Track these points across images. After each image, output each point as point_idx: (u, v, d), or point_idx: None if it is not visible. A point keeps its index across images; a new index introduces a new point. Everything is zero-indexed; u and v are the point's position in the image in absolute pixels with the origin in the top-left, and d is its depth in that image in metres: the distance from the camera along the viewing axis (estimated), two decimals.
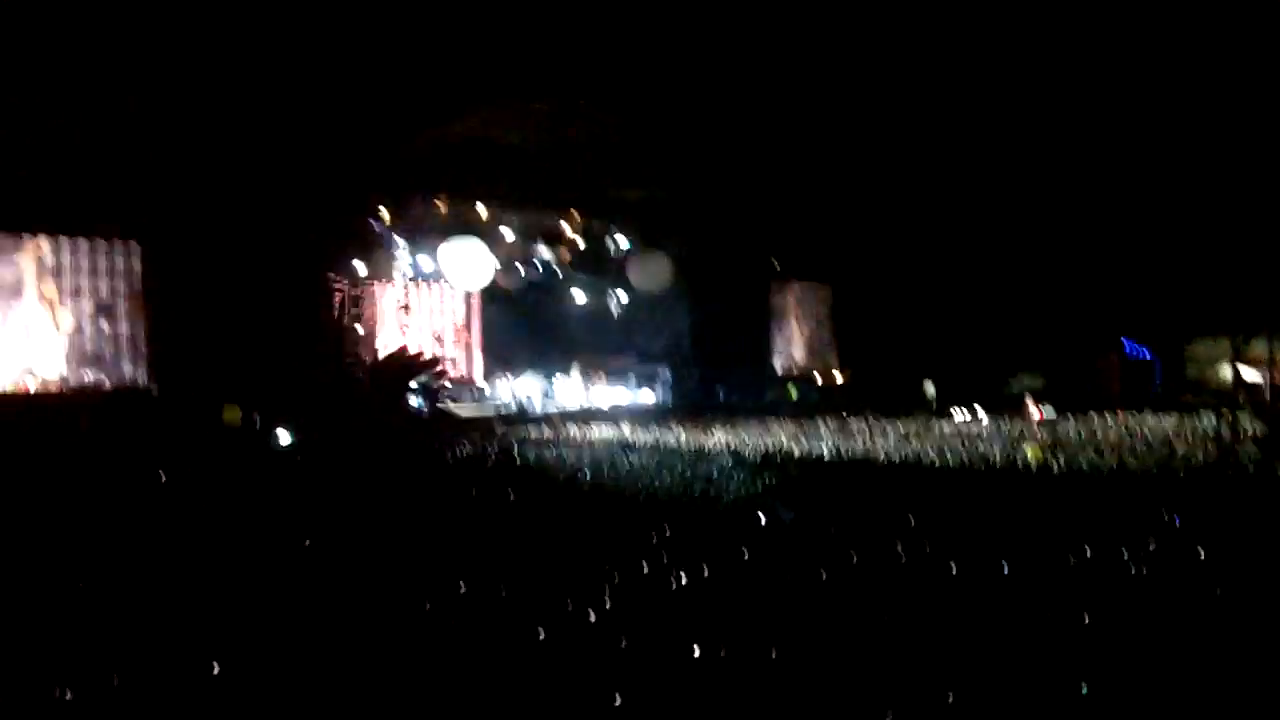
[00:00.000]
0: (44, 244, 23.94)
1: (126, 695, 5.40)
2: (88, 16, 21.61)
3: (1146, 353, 35.14)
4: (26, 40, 21.11)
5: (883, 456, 16.50)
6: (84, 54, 21.77)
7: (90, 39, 21.68)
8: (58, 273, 24.01)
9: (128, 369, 24.60)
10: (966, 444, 18.10)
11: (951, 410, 26.89)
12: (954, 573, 7.75)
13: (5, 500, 11.92)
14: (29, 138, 22.18)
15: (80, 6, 21.47)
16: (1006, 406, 27.17)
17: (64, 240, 24.15)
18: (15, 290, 23.49)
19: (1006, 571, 7.72)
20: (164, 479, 12.96)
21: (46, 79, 21.77)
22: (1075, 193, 30.64)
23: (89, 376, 24.02)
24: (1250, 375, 34.28)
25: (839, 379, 35.91)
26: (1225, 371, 34.84)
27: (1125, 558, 8.04)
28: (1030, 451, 16.38)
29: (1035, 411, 25.66)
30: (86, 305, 24.29)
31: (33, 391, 22.90)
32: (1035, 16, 26.06)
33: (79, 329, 24.18)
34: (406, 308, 30.33)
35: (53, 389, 23.33)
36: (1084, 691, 5.25)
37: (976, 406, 26.38)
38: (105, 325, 24.52)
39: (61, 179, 22.86)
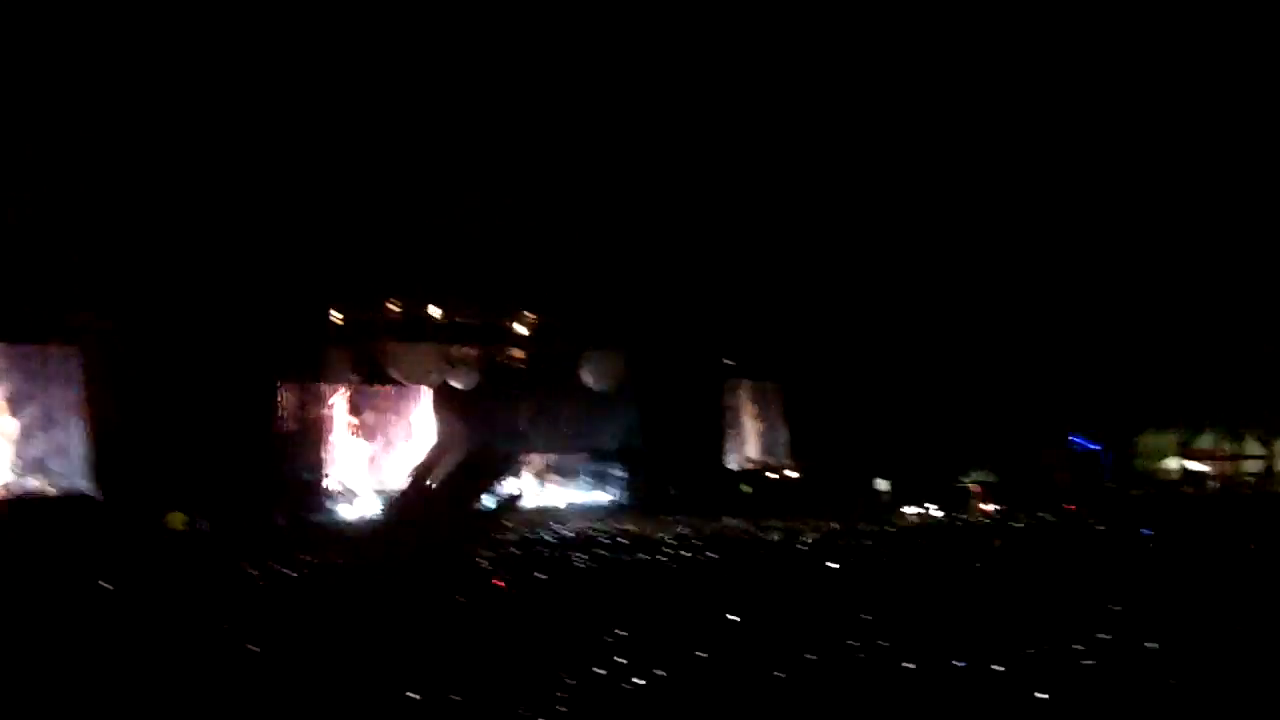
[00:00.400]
0: None
1: None
2: (31, 120, 21.71)
3: (1095, 446, 35.53)
4: None
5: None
6: (23, 156, 21.80)
7: (30, 141, 21.74)
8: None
9: (72, 475, 24.14)
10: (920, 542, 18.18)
11: (903, 506, 27.08)
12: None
13: None
14: None
15: (25, 111, 21.57)
16: (957, 501, 27.35)
17: (5, 346, 23.85)
18: None
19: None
20: (106, 588, 12.67)
21: None
22: (1021, 289, 31.22)
23: (32, 483, 23.58)
24: (1196, 468, 34.77)
25: (792, 475, 35.94)
26: (1173, 464, 35.31)
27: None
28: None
29: (984, 504, 25.85)
30: (31, 411, 23.91)
31: None
32: (971, 103, 26.80)
33: (23, 435, 23.78)
34: (356, 410, 30.08)
35: None
36: None
37: (927, 503, 26.58)
38: (49, 431, 24.14)
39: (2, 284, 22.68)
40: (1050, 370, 32.31)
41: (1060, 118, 27.86)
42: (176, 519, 21.66)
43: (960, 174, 28.81)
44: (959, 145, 28.27)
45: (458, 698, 7.08)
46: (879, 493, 31.28)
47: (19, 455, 23.68)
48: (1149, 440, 35.21)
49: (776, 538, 19.08)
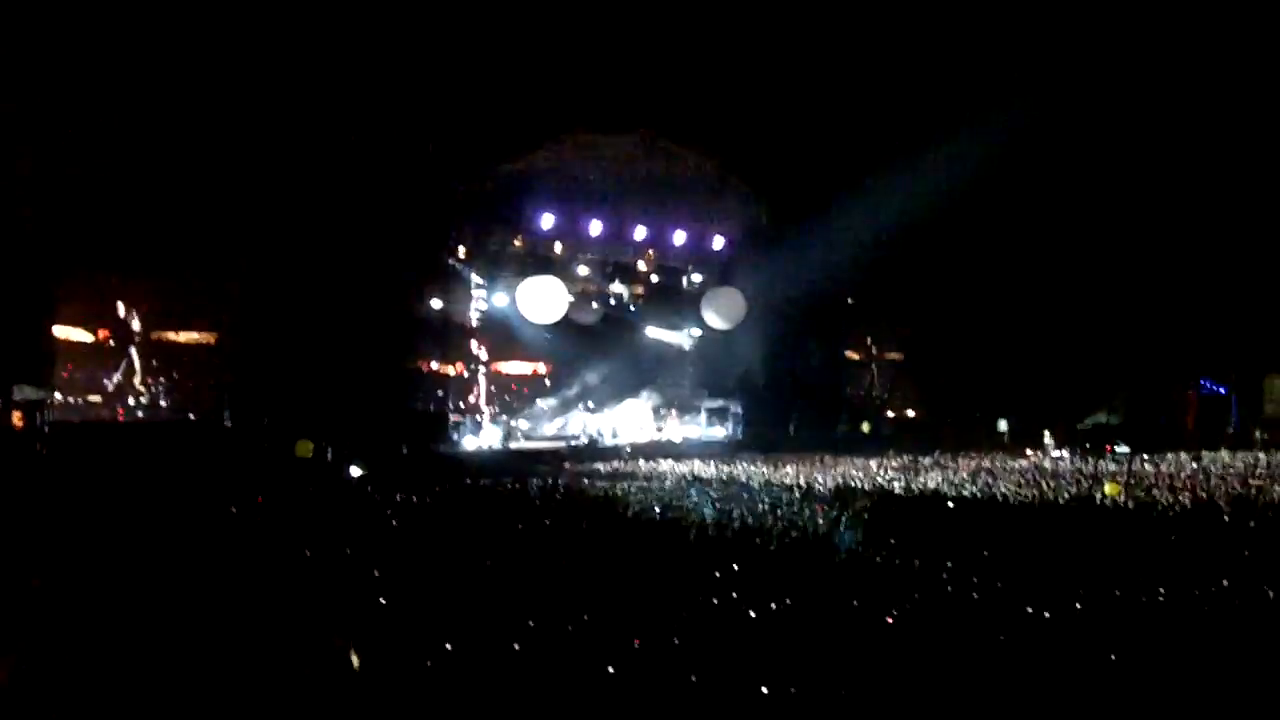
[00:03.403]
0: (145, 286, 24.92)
1: None
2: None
3: (1222, 389, 34.32)
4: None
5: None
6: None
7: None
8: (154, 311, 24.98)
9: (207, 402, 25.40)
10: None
11: (1026, 447, 26.69)
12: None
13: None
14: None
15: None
16: (1082, 443, 26.87)
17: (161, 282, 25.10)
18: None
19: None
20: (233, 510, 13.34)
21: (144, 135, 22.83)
22: (1152, 231, 30.18)
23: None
24: None
25: (912, 414, 35.62)
26: None
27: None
28: (1108, 487, 16.25)
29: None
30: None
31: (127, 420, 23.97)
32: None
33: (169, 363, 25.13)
34: (480, 344, 30.62)
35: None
36: None
37: (1050, 442, 26.15)
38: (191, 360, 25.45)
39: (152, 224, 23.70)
40: (1179, 312, 31.21)
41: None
42: (305, 447, 22.48)
43: (1089, 110, 27.92)
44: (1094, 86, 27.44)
45: (571, 626, 7.30)
46: (1000, 433, 30.86)
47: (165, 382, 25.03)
48: (1278, 384, 33.66)
49: (898, 480, 18.92)
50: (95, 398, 24.83)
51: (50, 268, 23.30)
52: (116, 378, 25.28)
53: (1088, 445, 26.47)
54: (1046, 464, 22.84)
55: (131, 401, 25.16)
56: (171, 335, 25.75)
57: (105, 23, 21.77)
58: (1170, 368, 33.17)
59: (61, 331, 24.12)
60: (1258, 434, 30.13)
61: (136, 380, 25.25)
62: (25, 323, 22.70)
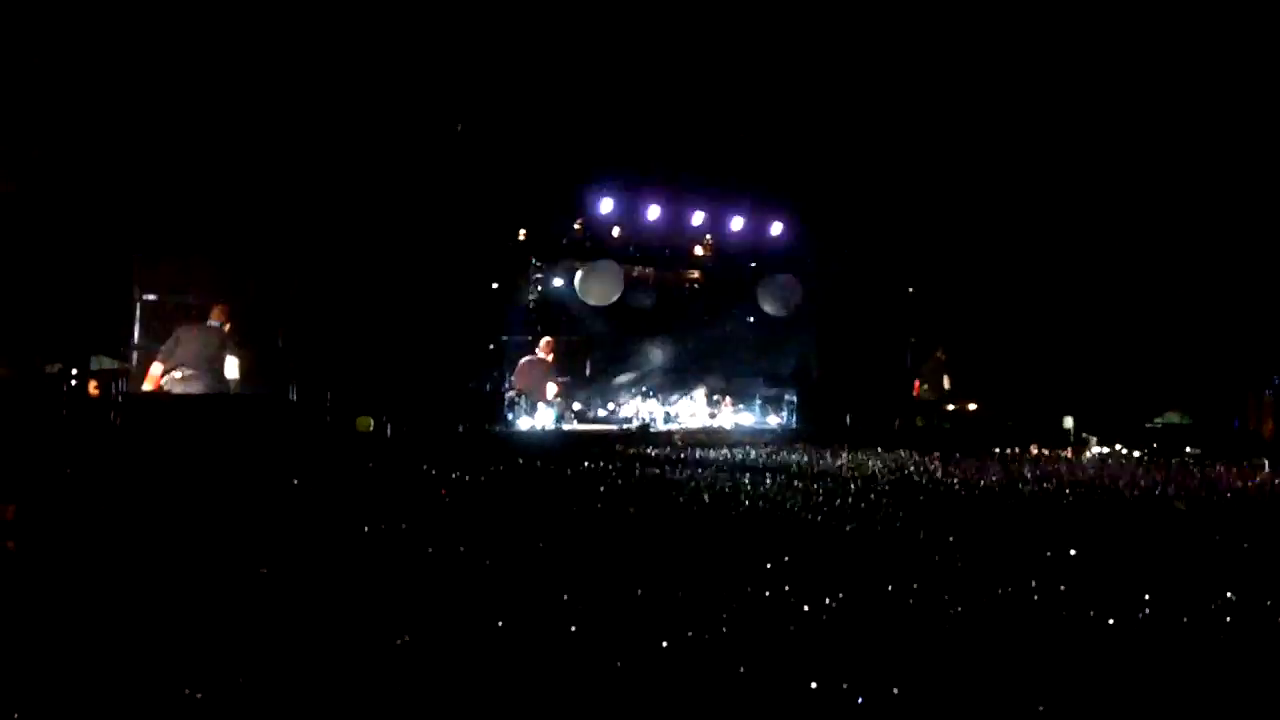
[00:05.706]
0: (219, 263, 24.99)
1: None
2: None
3: None
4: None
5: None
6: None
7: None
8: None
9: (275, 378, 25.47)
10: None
11: (1090, 445, 26.21)
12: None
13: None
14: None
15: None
16: (1149, 441, 26.31)
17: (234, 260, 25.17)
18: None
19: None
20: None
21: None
22: (1227, 219, 29.51)
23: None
24: None
25: (973, 408, 35.11)
26: None
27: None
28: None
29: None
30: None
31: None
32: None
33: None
34: (540, 325, 30.70)
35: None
36: None
37: (1092, 441, 25.74)
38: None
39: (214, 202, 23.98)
40: (1259, 307, 30.48)
41: None
42: (364, 422, 22.70)
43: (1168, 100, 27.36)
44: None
45: (614, 608, 7.20)
46: (1065, 430, 30.36)
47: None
48: None
49: (954, 476, 18.62)
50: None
51: (131, 240, 23.69)
52: (193, 350, 25.40)
53: (1155, 445, 25.96)
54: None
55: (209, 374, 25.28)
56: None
57: None
58: (1247, 366, 32.38)
59: (142, 303, 24.42)
60: None
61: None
62: (105, 294, 23.15)
